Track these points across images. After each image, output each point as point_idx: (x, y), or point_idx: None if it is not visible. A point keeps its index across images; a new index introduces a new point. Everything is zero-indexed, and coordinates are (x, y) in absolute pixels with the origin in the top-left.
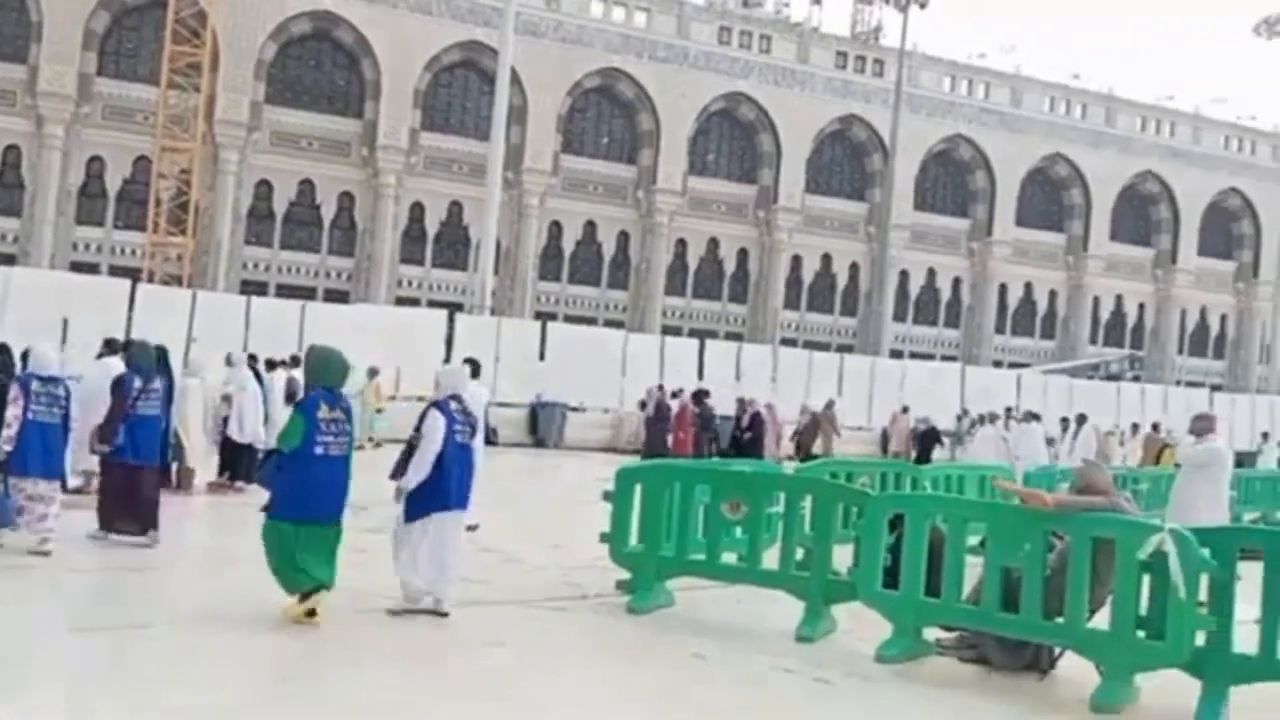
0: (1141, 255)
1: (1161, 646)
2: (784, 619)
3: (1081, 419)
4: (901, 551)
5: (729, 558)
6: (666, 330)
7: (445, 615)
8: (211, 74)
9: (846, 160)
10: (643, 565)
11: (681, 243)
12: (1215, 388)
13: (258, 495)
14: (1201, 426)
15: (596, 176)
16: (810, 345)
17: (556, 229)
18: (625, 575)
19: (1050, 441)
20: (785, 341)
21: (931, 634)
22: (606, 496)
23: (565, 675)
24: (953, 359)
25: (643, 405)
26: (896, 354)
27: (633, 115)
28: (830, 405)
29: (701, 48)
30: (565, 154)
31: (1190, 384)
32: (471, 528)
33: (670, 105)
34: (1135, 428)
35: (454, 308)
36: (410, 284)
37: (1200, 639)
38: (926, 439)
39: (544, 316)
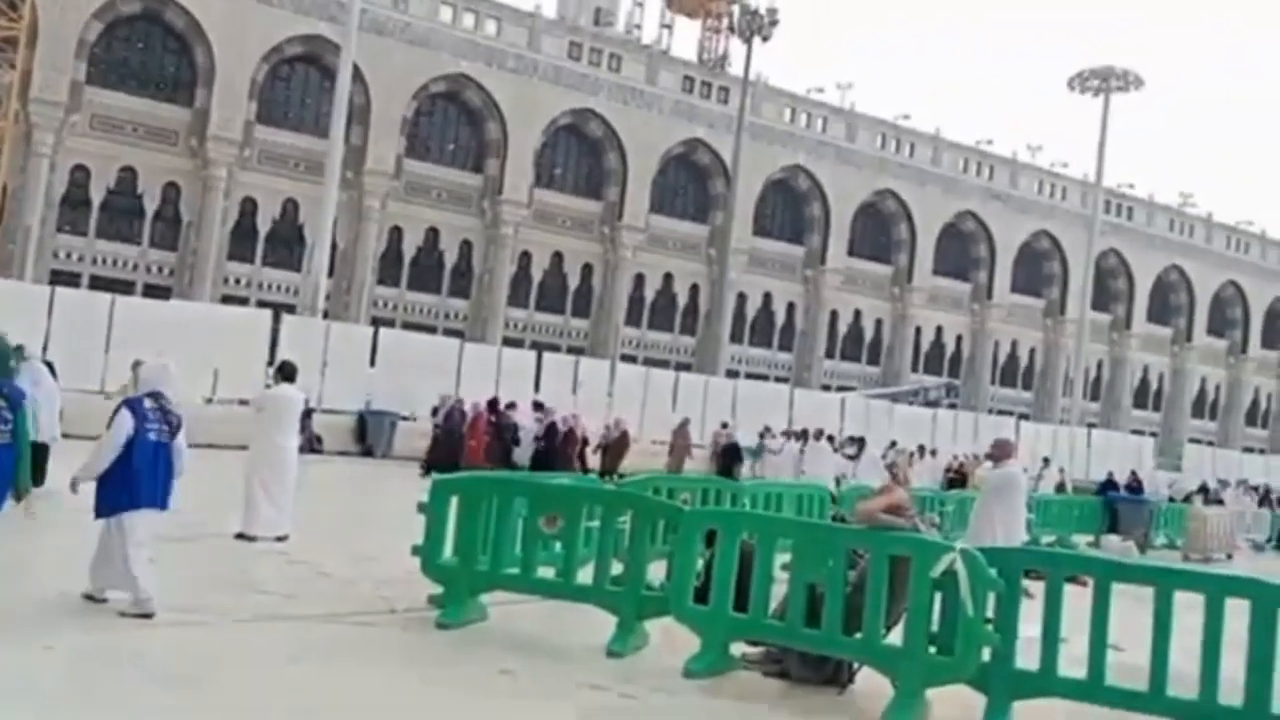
0: (961, 289)
1: (950, 661)
2: (597, 634)
3: (861, 442)
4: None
5: (546, 572)
6: (508, 342)
7: (150, 616)
8: (28, 50)
9: (690, 183)
10: (456, 579)
11: (526, 255)
12: (1023, 416)
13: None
14: (999, 452)
15: (440, 183)
16: (650, 362)
17: (397, 234)
18: (437, 589)
19: (851, 457)
20: (625, 358)
21: (740, 649)
22: (421, 508)
23: (363, 692)
24: (785, 380)
25: (435, 412)
26: (733, 374)
27: (480, 124)
28: (685, 423)
29: (551, 61)
30: (409, 158)
31: (1001, 412)
32: (280, 538)
33: (518, 116)
34: (922, 450)
35: (286, 309)
36: (239, 282)
37: (986, 655)
38: (728, 454)
39: (381, 323)
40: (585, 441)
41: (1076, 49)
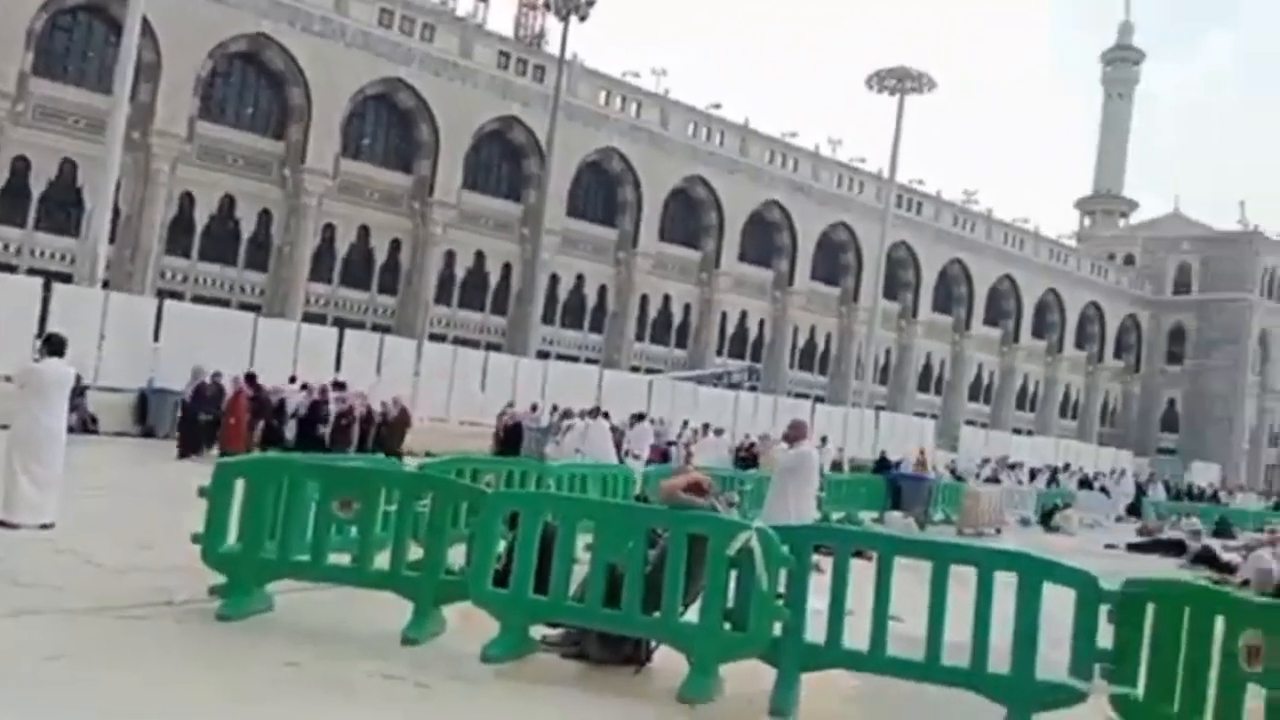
0: (763, 276)
1: (744, 637)
2: (393, 622)
3: (640, 417)
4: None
5: (339, 559)
6: (309, 318)
7: None
8: None
9: (504, 160)
10: (240, 568)
11: (330, 227)
12: (819, 399)
13: None
14: (794, 434)
15: (237, 148)
16: (460, 342)
17: (189, 201)
18: (220, 579)
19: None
20: (434, 337)
21: (541, 632)
22: (203, 492)
23: (128, 691)
24: (595, 362)
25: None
26: (544, 355)
27: (281, 87)
28: (510, 405)
29: (360, 26)
30: (203, 120)
31: (799, 395)
32: (45, 526)
33: (323, 82)
34: (706, 429)
35: (62, 279)
36: (7, 248)
37: (777, 629)
38: (512, 433)
39: (170, 295)
40: (370, 420)
41: (879, 47)
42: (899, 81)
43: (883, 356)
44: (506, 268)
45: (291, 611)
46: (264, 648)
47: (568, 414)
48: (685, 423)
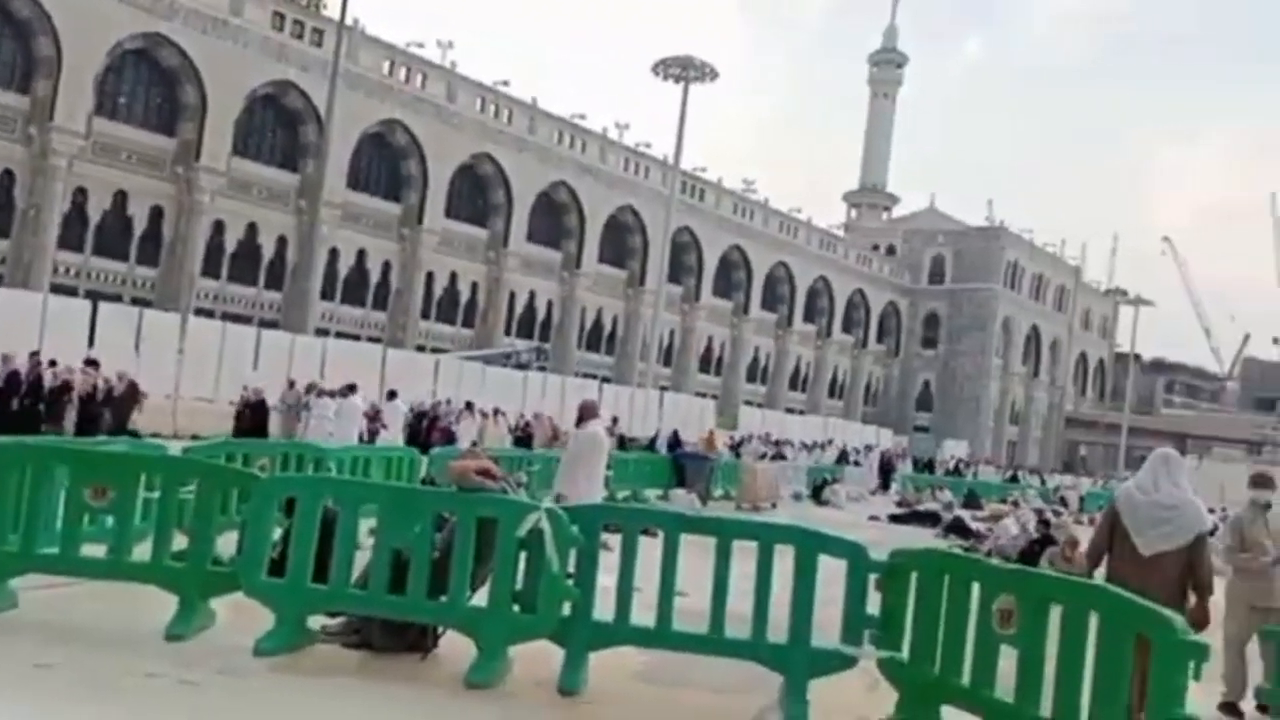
0: (552, 257)
1: (532, 619)
2: (156, 618)
3: (393, 394)
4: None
5: (94, 551)
6: (58, 289)
7: None
8: None
9: (279, 127)
10: None
11: (82, 191)
12: (605, 380)
13: None
14: (584, 414)
15: None
16: (230, 318)
17: None
18: None
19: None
20: (201, 312)
21: (320, 622)
22: None
23: None
24: (378, 341)
25: None
26: (323, 332)
27: (28, 38)
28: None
29: None
30: None
31: (586, 375)
32: None
33: (74, 32)
34: (470, 407)
35: None
36: None
37: (566, 609)
38: (257, 412)
39: None
40: (94, 398)
41: (666, 34)
42: (683, 70)
43: (667, 338)
44: (282, 240)
45: (40, 609)
46: (9, 649)
47: (321, 391)
48: (447, 401)
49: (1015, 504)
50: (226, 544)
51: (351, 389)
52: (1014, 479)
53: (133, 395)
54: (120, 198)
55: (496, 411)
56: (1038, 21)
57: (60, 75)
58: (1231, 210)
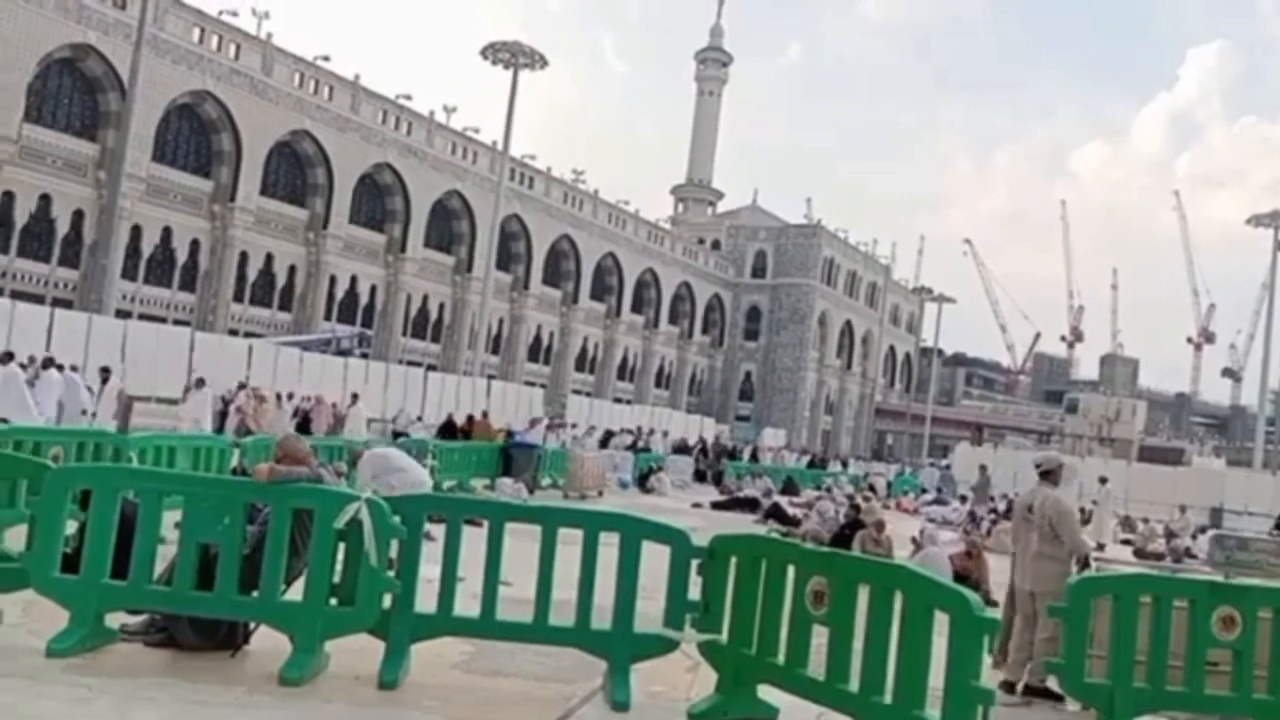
0: (376, 240)
1: (351, 612)
2: None
3: (50, 363)
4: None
5: None
6: None
7: None
8: None
9: (78, 93)
10: None
11: None
12: (431, 367)
13: None
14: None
15: None
16: (20, 296)
17: None
18: None
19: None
20: None
21: (121, 620)
22: None
23: None
24: (186, 324)
25: None
26: (124, 314)
27: None
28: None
29: None
30: None
31: (411, 363)
32: None
33: None
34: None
35: None
36: None
37: (387, 601)
38: None
39: None
40: None
41: (496, 20)
42: (513, 56)
43: (495, 326)
44: (78, 214)
45: None
46: None
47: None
48: (240, 385)
49: (829, 490)
50: (15, 538)
51: (9, 356)
52: (811, 464)
53: None
54: None
55: (283, 396)
56: (853, 28)
57: None
58: (1026, 216)
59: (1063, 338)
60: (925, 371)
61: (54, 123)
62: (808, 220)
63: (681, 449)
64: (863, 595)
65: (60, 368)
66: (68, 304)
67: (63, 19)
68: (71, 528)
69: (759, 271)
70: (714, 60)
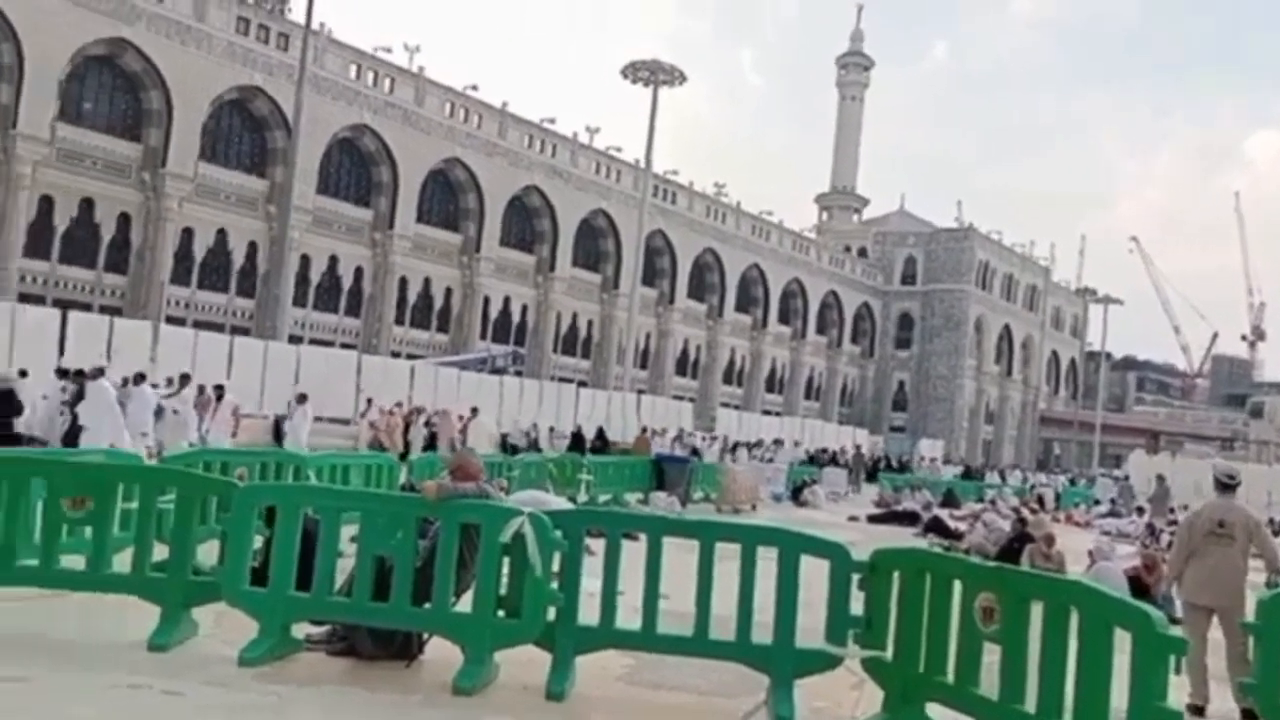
0: (526, 261)
1: (518, 624)
2: (138, 629)
3: (141, 378)
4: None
5: (73, 562)
6: (25, 298)
7: None
8: None
9: (247, 132)
10: None
11: (47, 199)
12: (582, 383)
13: None
14: None
15: None
16: (201, 325)
17: None
18: None
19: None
20: (171, 320)
21: (305, 630)
22: None
23: None
24: (352, 347)
25: None
26: (296, 339)
27: None
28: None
29: None
30: None
31: (562, 379)
32: None
33: (35, 38)
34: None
35: None
36: None
37: (551, 613)
38: (3, 404)
39: None
40: None
41: (635, 37)
42: (652, 74)
43: (642, 341)
44: (252, 246)
45: (19, 621)
46: None
47: (79, 373)
48: (369, 400)
49: (992, 502)
50: (207, 553)
51: (101, 372)
52: (967, 475)
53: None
54: (87, 205)
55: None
56: (1002, 26)
57: (21, 82)
58: (1192, 210)
59: (1243, 337)
60: (1092, 377)
61: (226, 161)
62: (958, 223)
63: (827, 460)
64: (1035, 612)
65: (155, 385)
66: (245, 331)
67: (230, 63)
68: (257, 543)
69: (909, 278)
70: (855, 65)
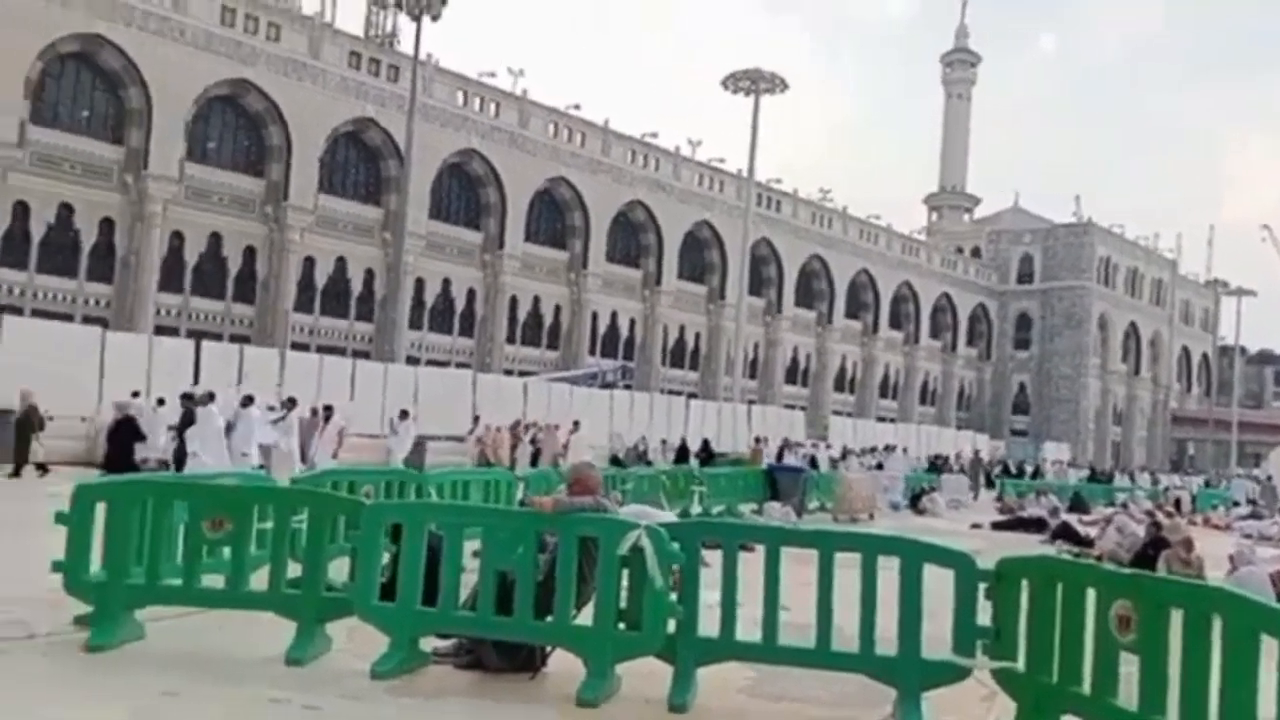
0: (632, 276)
1: (638, 637)
2: (275, 644)
3: (328, 410)
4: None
5: (213, 581)
6: (161, 330)
7: None
8: None
9: (361, 162)
10: (106, 596)
11: (179, 235)
12: (691, 395)
13: None
14: None
15: (73, 154)
16: (324, 350)
17: (23, 210)
18: (85, 609)
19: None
20: (296, 346)
21: (432, 644)
22: (61, 518)
23: None
24: (466, 366)
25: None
26: (413, 361)
27: (119, 89)
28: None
29: (201, 25)
30: (34, 125)
31: (671, 392)
32: None
33: (163, 83)
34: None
35: None
36: None
37: (671, 626)
38: (123, 432)
39: (6, 310)
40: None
41: (731, 47)
42: (753, 83)
43: (751, 351)
44: (369, 273)
45: (165, 638)
46: (139, 677)
47: (187, 398)
48: (476, 417)
49: (1124, 506)
50: (337, 570)
51: (210, 398)
52: (1093, 478)
53: (30, 420)
54: (215, 239)
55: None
56: (1113, 9)
57: (151, 125)
58: None
59: None
60: (1227, 373)
61: (343, 191)
62: (1076, 218)
63: (940, 466)
64: (1175, 620)
65: (272, 407)
66: (365, 355)
67: (344, 96)
68: (384, 559)
69: (1025, 277)
70: (961, 62)
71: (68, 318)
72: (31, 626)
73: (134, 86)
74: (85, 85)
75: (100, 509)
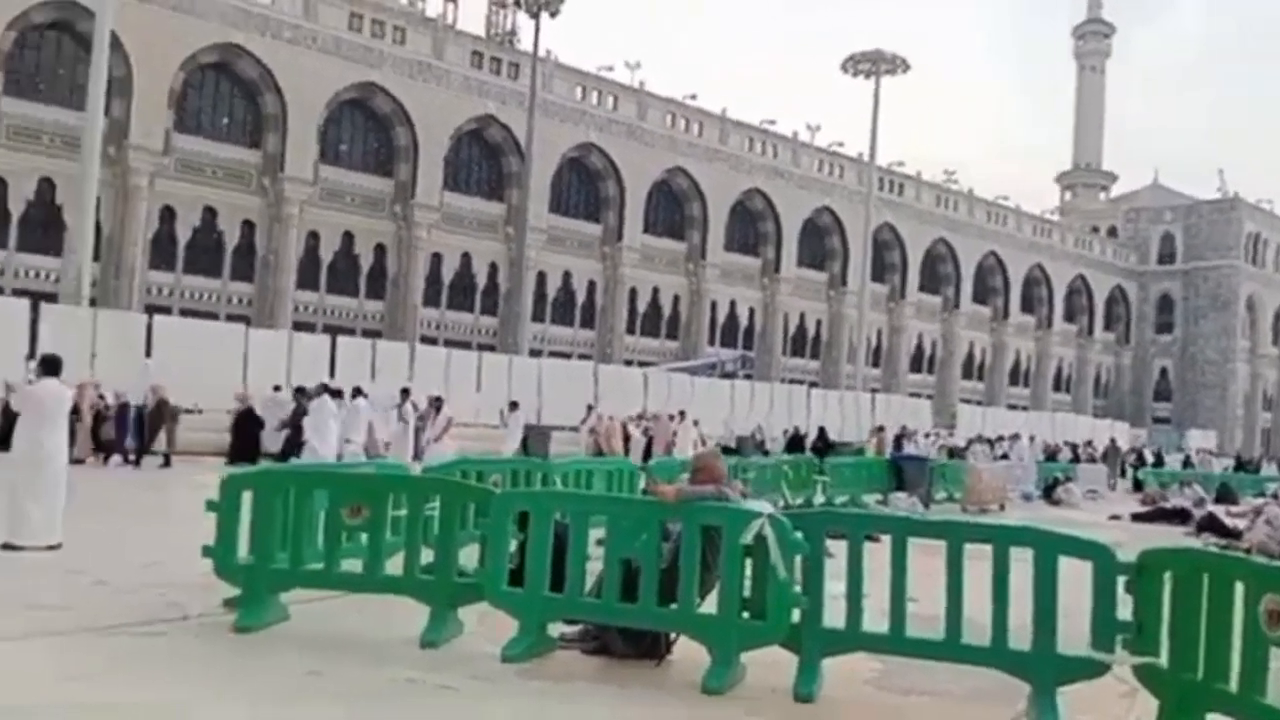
0: (751, 264)
1: (763, 626)
2: (409, 627)
3: (358, 392)
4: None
5: (351, 565)
6: (299, 326)
7: None
8: None
9: (484, 160)
10: (253, 579)
11: (314, 234)
12: (813, 384)
13: None
14: None
15: (215, 160)
16: (451, 344)
17: (169, 214)
18: (233, 592)
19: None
20: (425, 340)
21: (559, 629)
22: (211, 506)
23: (151, 707)
24: (588, 358)
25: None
26: (536, 353)
27: (256, 97)
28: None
29: (331, 32)
30: (179, 133)
31: (792, 381)
32: (52, 547)
33: (297, 89)
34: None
35: (46, 298)
36: None
37: (796, 615)
38: (247, 423)
39: (157, 310)
40: (104, 417)
41: (849, 33)
42: (874, 65)
43: (874, 339)
44: (493, 267)
45: (308, 620)
46: (284, 657)
47: (300, 391)
48: (589, 407)
49: (1275, 496)
50: (467, 557)
51: (323, 389)
52: (1239, 467)
53: (161, 412)
54: (348, 238)
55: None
56: None
57: (286, 130)
58: None
59: None
60: None
61: (467, 188)
62: (1221, 194)
63: (1073, 455)
64: None
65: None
66: (490, 348)
67: (467, 95)
68: (510, 545)
69: (1167, 257)
70: (1094, 33)
71: (213, 316)
72: (185, 609)
73: (270, 93)
74: (224, 93)
75: (247, 497)
